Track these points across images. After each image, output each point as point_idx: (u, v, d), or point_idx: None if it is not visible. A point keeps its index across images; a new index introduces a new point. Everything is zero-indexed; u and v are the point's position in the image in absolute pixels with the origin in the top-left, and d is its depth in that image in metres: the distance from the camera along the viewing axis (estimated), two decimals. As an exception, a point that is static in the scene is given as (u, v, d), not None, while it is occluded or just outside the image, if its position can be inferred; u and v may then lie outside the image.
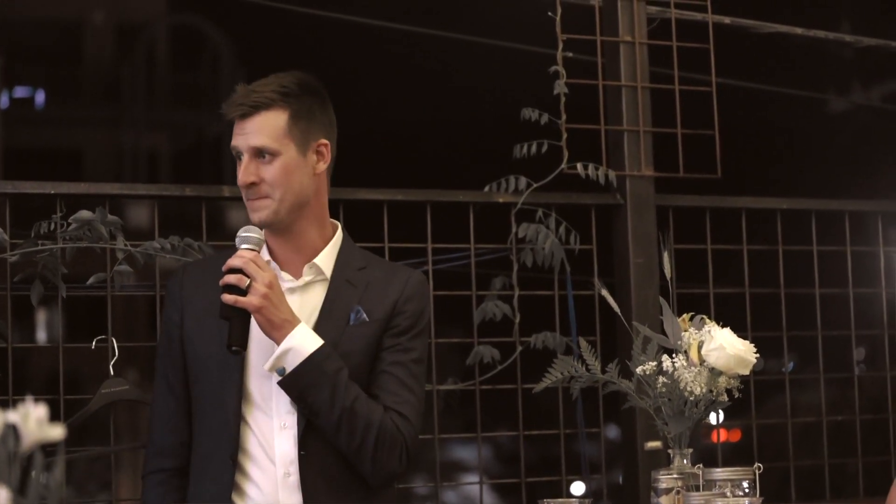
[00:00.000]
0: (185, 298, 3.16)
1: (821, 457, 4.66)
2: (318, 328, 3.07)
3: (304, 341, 3.02)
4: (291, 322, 3.02)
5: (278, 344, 3.01)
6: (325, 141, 3.15)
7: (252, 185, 3.07)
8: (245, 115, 3.07)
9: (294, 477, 3.05)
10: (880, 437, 4.86)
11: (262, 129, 3.07)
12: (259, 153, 3.07)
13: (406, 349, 3.16)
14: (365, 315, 3.14)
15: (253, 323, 3.05)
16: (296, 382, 3.01)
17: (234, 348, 3.01)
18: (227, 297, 2.99)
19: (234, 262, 3.01)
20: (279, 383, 3.03)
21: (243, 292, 2.99)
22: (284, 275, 3.12)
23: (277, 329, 3.01)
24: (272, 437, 3.06)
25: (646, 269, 4.26)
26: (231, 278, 2.99)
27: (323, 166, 3.15)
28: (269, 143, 3.07)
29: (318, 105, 3.15)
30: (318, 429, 3.06)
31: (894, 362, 4.81)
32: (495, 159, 4.50)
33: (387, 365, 3.13)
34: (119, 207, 3.89)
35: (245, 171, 3.07)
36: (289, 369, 3.01)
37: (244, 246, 3.05)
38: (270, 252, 3.14)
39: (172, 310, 3.18)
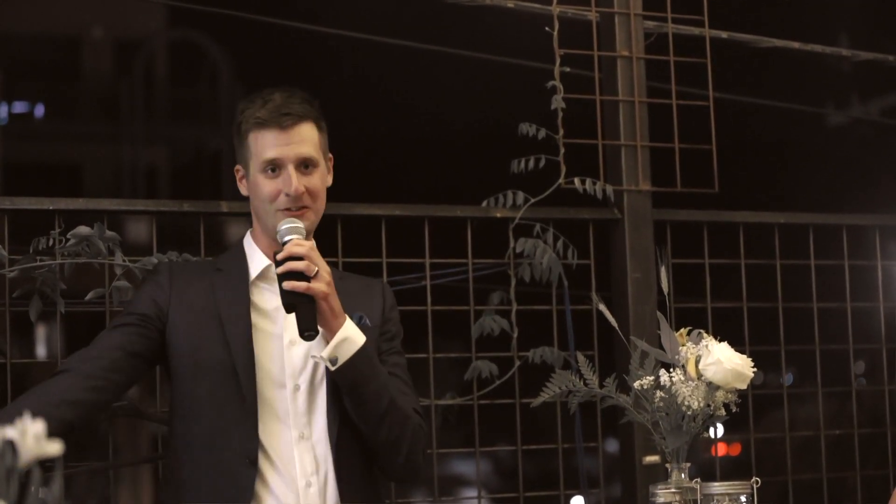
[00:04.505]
0: (175, 290, 3.13)
1: (819, 470, 4.66)
2: None
3: (355, 332, 3.05)
4: (343, 313, 3.04)
5: (333, 333, 3.01)
6: (330, 155, 3.20)
7: (302, 194, 3.09)
8: (287, 126, 3.09)
9: (315, 487, 3.04)
10: (879, 451, 4.86)
11: (305, 139, 3.11)
12: (304, 164, 3.10)
13: (400, 352, 3.24)
14: (368, 321, 3.17)
15: (267, 341, 3.05)
16: (351, 372, 3.02)
17: (307, 333, 2.95)
18: (299, 285, 2.94)
19: (296, 249, 2.97)
20: (335, 372, 3.01)
21: (307, 280, 2.95)
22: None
23: (336, 318, 3.01)
24: (291, 448, 3.06)
25: (643, 283, 4.26)
26: (300, 265, 2.95)
27: (330, 179, 3.21)
28: (313, 153, 3.12)
29: (325, 121, 3.21)
30: (349, 431, 3.06)
31: (893, 376, 4.81)
32: (493, 174, 4.50)
33: (391, 367, 3.19)
34: (117, 223, 3.89)
35: (296, 180, 3.07)
36: (343, 358, 3.00)
37: (294, 236, 3.01)
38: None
39: (159, 292, 3.13)
